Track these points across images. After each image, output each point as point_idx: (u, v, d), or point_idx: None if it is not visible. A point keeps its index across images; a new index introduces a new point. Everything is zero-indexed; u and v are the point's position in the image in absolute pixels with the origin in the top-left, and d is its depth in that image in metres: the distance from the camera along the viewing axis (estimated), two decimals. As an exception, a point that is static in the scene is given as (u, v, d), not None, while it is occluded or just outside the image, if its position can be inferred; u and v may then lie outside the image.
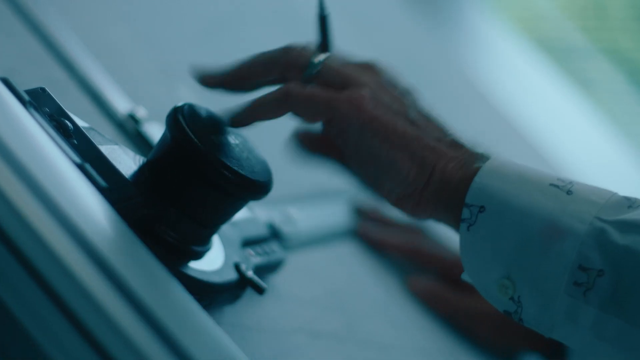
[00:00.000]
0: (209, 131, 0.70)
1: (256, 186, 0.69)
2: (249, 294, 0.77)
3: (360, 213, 1.01)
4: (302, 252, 0.89)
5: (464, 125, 1.63)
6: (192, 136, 0.67)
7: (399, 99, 0.73)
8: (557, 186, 0.66)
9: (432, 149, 0.70)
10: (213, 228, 0.72)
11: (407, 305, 0.95)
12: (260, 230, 0.81)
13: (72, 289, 0.55)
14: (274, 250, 0.81)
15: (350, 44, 1.45)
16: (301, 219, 0.91)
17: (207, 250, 0.73)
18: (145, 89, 0.91)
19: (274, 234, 0.85)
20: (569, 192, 0.66)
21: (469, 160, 0.70)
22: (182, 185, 0.69)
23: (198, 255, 0.72)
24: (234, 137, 0.72)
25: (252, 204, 0.87)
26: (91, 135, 0.68)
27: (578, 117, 2.15)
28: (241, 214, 0.81)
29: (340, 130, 0.71)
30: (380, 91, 0.72)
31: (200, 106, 0.72)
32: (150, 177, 0.69)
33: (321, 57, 0.74)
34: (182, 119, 0.68)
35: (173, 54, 0.99)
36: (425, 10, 1.90)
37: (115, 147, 0.70)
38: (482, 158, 0.69)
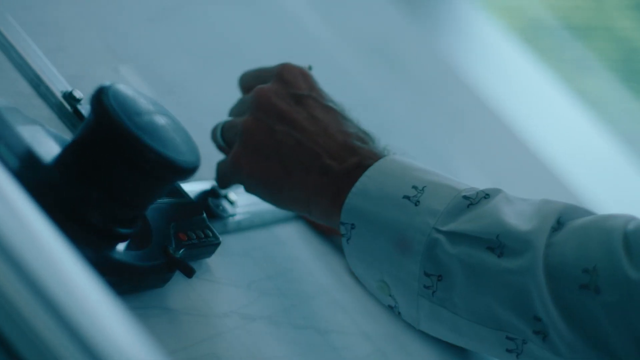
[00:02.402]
0: (135, 112, 0.69)
1: (178, 167, 0.68)
2: (181, 277, 0.77)
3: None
4: (242, 235, 0.88)
5: (447, 115, 1.64)
6: (113, 115, 0.67)
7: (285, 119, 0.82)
8: (409, 197, 0.77)
9: (302, 186, 0.81)
10: (138, 210, 0.71)
11: (353, 289, 0.95)
12: (195, 213, 0.80)
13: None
14: (208, 233, 0.80)
15: (332, 34, 1.45)
16: (242, 201, 0.90)
17: (135, 232, 0.72)
18: (88, 70, 0.90)
19: (212, 217, 0.84)
20: (417, 203, 0.76)
21: (340, 181, 0.79)
22: (105, 166, 0.68)
23: (125, 238, 0.71)
24: (163, 119, 0.71)
25: (191, 185, 0.86)
26: (11, 116, 0.67)
27: (563, 105, 2.13)
28: (176, 196, 0.81)
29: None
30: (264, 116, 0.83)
31: (128, 87, 0.71)
32: (74, 159, 0.68)
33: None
34: (104, 99, 0.67)
35: (119, 35, 0.98)
36: (426, 10, 1.89)
37: (38, 128, 0.69)
38: (362, 168, 0.79)
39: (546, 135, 1.87)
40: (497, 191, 0.76)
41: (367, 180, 0.78)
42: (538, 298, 0.71)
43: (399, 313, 0.79)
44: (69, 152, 0.69)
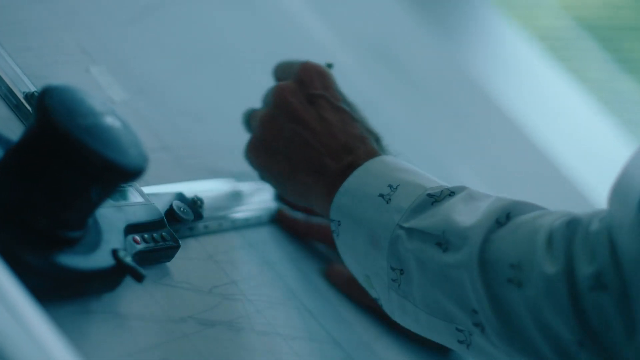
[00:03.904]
0: (79, 113, 0.67)
1: (120, 169, 0.67)
2: (145, 282, 0.75)
3: (282, 198, 0.98)
4: (209, 239, 0.87)
5: (463, 123, 1.61)
6: (54, 116, 0.65)
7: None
8: (383, 195, 0.81)
9: (303, 183, 0.86)
10: (84, 213, 0.70)
11: (325, 295, 0.93)
12: (152, 216, 0.79)
13: None
14: (165, 236, 0.79)
15: (349, 44, 1.43)
16: (211, 204, 0.88)
17: (83, 235, 0.71)
18: (56, 70, 0.89)
19: (175, 220, 0.83)
20: (388, 201, 0.80)
21: (335, 180, 0.84)
22: (47, 169, 0.67)
23: (71, 242, 0.70)
24: (110, 121, 0.70)
25: (157, 188, 0.85)
26: (-50, 117, 0.66)
27: (581, 111, 2.09)
28: (133, 198, 0.80)
29: None
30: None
31: (77, 88, 0.70)
32: (16, 162, 0.67)
33: None
34: (47, 100, 0.66)
35: (95, 36, 0.97)
36: (427, 8, 1.86)
37: (-19, 129, 0.68)
38: (353, 167, 0.83)
39: (558, 137, 1.83)
40: (462, 188, 0.80)
41: (353, 179, 0.83)
42: (473, 291, 0.74)
43: (381, 306, 0.83)
44: (11, 154, 0.68)
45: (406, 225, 0.78)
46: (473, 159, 1.54)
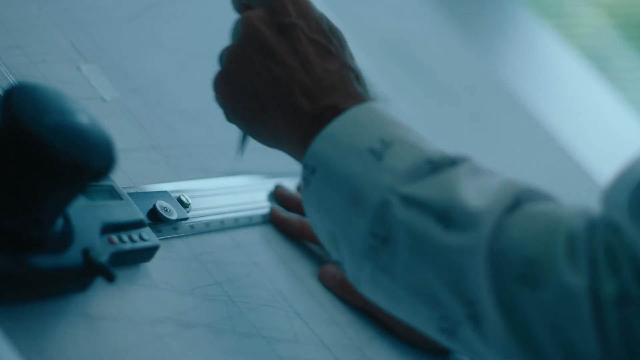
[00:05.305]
0: (45, 111, 0.67)
1: (84, 168, 0.66)
2: (121, 282, 0.75)
3: (276, 197, 0.97)
4: (194, 240, 0.86)
5: (488, 127, 1.57)
6: (18, 114, 0.65)
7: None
8: (373, 150, 0.73)
9: (273, 123, 0.79)
10: (52, 213, 0.69)
11: (317, 297, 0.91)
12: (131, 216, 0.78)
13: None
14: (144, 237, 0.78)
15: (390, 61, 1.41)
16: (198, 204, 0.87)
17: (52, 235, 0.70)
18: (44, 69, 0.88)
19: (158, 220, 0.82)
20: (379, 158, 0.72)
21: (311, 123, 0.76)
22: (11, 168, 0.66)
23: (40, 241, 0.69)
24: (80, 119, 0.69)
25: (140, 187, 0.84)
26: None
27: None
28: (111, 198, 0.79)
29: None
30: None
31: (50, 87, 0.69)
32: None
33: None
34: (12, 98, 0.66)
35: (90, 35, 0.97)
36: (450, 6, 1.84)
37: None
38: (335, 111, 0.76)
39: (589, 143, 1.79)
40: (463, 159, 0.73)
41: (338, 125, 0.75)
42: (475, 280, 0.67)
43: (344, 270, 0.76)
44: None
45: (402, 190, 0.71)
46: (496, 164, 1.50)
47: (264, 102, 0.79)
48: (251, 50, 0.79)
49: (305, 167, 0.76)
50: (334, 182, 0.74)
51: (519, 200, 0.69)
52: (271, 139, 0.81)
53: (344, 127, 0.75)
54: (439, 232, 0.69)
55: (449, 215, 0.69)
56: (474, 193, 0.69)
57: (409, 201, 0.70)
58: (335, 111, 0.76)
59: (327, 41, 0.79)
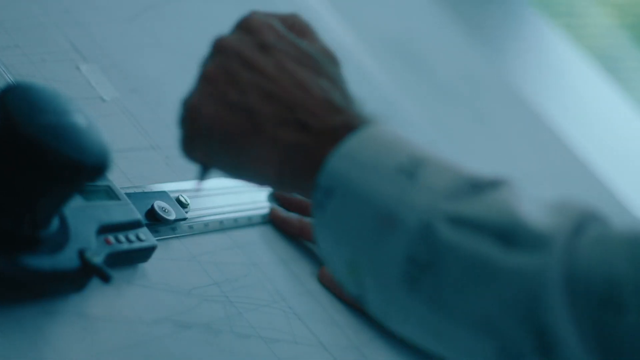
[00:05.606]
0: (40, 110, 0.67)
1: (78, 166, 0.66)
2: (118, 283, 0.75)
3: (277, 197, 0.97)
4: (193, 240, 0.85)
5: (495, 128, 1.56)
6: (12, 113, 0.65)
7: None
8: (403, 169, 0.65)
9: (274, 143, 0.69)
10: (48, 212, 0.69)
11: (317, 297, 0.91)
12: (128, 216, 0.78)
13: None
14: (141, 237, 0.78)
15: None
16: (197, 204, 0.87)
17: (47, 235, 0.70)
18: (43, 69, 0.88)
19: (156, 220, 0.82)
20: (412, 177, 0.65)
21: (327, 142, 0.68)
22: (8, 168, 0.66)
23: (35, 242, 0.69)
24: (74, 119, 0.69)
25: (138, 187, 0.84)
26: None
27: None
28: (108, 198, 0.79)
29: None
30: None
31: (45, 87, 0.69)
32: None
33: None
34: (7, 98, 0.66)
35: (90, 35, 0.97)
36: (455, 5, 1.83)
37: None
38: (349, 129, 0.68)
39: (598, 146, 1.77)
40: (505, 181, 0.65)
41: (357, 143, 0.67)
42: (551, 308, 0.60)
43: (367, 304, 0.68)
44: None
45: (448, 209, 0.63)
46: (502, 165, 1.50)
47: (260, 121, 0.69)
48: (233, 68, 0.70)
49: (317, 189, 0.67)
50: (358, 204, 0.66)
51: (583, 220, 0.63)
52: (267, 165, 0.70)
53: (364, 145, 0.67)
54: (499, 252, 0.62)
55: (510, 235, 0.62)
56: (533, 213, 0.63)
57: (458, 221, 0.63)
58: (348, 129, 0.68)
59: (315, 62, 0.72)
